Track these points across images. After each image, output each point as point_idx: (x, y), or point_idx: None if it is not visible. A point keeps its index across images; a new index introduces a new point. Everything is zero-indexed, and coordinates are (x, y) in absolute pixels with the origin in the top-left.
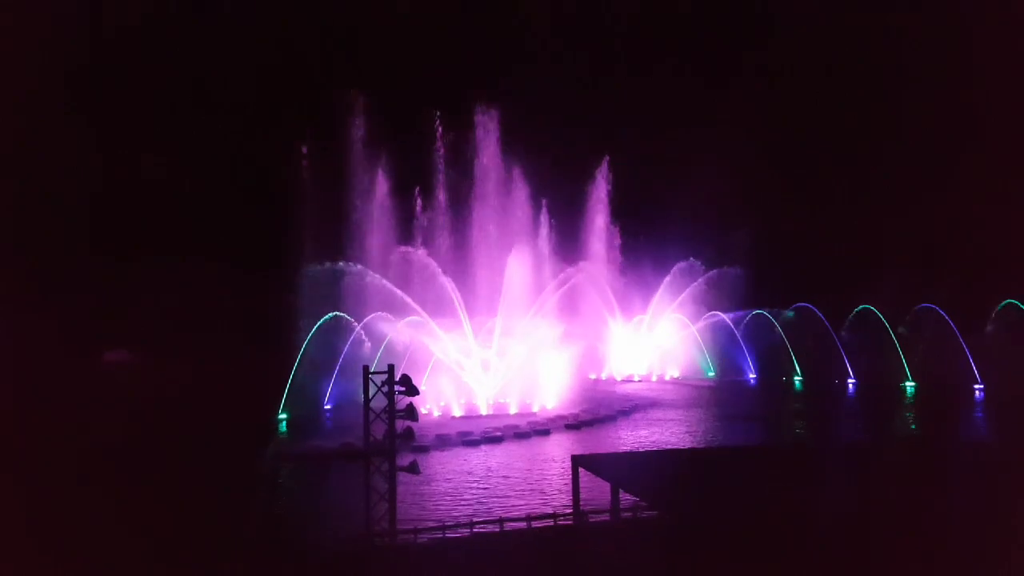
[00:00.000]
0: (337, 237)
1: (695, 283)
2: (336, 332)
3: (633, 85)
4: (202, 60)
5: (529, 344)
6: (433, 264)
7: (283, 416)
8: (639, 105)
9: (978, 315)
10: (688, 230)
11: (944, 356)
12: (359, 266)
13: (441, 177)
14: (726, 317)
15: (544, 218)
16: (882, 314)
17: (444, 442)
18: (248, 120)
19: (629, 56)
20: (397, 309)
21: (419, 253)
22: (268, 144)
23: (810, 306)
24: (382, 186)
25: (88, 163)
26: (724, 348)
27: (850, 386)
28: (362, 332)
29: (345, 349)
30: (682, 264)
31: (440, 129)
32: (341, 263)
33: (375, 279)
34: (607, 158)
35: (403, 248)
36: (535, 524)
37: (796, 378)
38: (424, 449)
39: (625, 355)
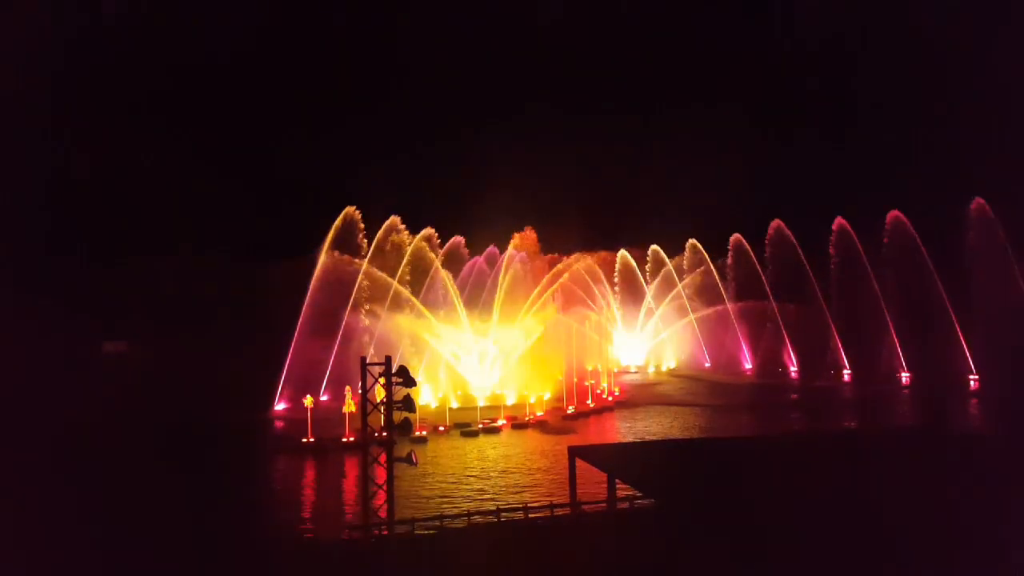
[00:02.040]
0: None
1: (694, 273)
2: (330, 325)
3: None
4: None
5: (526, 335)
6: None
7: (280, 407)
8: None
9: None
10: (688, 220)
11: (940, 346)
12: (351, 258)
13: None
14: (728, 305)
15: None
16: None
17: (442, 433)
18: (246, 115)
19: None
20: (394, 301)
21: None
22: (264, 137)
23: (844, 223)
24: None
25: (87, 157)
26: (721, 340)
27: (845, 377)
28: (352, 324)
29: (338, 340)
30: (682, 255)
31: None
32: (335, 253)
33: (370, 270)
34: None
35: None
36: (532, 514)
37: (792, 369)
38: (422, 440)
39: (623, 346)
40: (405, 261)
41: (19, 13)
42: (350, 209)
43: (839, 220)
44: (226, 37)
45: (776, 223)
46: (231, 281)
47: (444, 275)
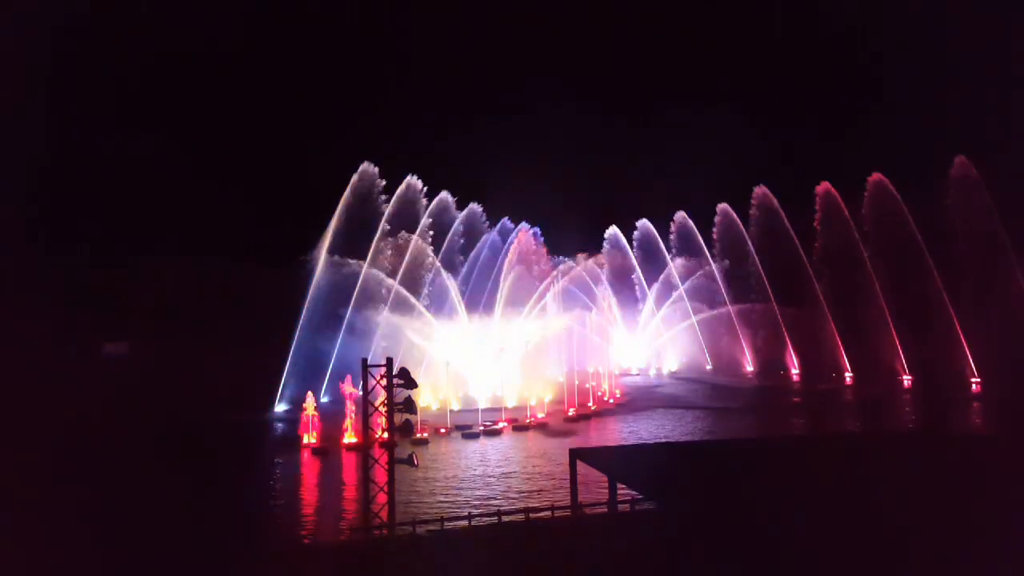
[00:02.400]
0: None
1: (695, 275)
2: (330, 326)
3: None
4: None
5: (527, 337)
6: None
7: (280, 408)
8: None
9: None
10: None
11: (941, 347)
12: (354, 261)
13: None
14: (729, 307)
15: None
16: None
17: (443, 435)
18: (247, 116)
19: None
20: (394, 304)
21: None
22: (265, 138)
23: (830, 188)
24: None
25: (87, 158)
26: (722, 342)
27: (847, 379)
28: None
29: (339, 341)
30: (683, 258)
31: None
32: (336, 256)
33: (371, 272)
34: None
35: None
36: (533, 516)
37: (793, 371)
38: (423, 442)
39: (624, 348)
40: (416, 243)
41: (19, 13)
42: (366, 166)
43: (824, 185)
44: (226, 37)
45: (760, 190)
46: (232, 282)
47: (446, 277)
